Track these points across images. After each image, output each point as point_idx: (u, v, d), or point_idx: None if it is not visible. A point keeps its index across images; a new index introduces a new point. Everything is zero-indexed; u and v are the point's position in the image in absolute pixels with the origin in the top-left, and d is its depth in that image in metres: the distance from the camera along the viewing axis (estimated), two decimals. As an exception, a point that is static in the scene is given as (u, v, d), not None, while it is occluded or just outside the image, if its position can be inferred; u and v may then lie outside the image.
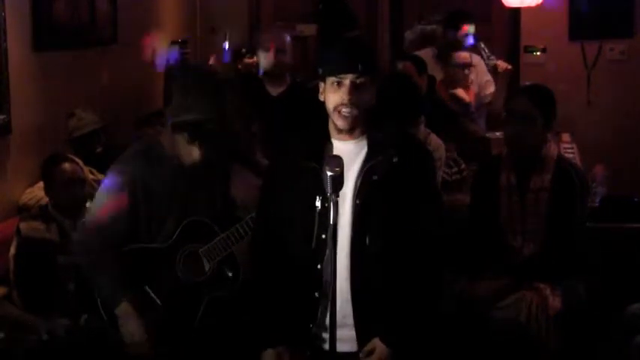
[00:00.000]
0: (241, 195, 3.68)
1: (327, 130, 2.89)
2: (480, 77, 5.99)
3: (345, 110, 2.80)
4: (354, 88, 2.78)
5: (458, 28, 6.06)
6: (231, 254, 3.33)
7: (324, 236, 2.79)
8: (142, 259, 3.27)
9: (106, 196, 3.30)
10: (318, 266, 2.82)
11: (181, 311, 3.28)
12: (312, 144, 2.88)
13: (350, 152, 2.81)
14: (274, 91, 4.93)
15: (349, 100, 2.78)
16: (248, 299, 3.05)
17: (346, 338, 2.81)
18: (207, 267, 3.29)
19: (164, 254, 3.27)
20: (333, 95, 2.81)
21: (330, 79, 2.82)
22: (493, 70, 5.97)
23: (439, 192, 3.10)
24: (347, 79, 2.78)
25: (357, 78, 2.78)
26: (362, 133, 2.87)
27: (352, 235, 2.80)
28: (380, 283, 2.82)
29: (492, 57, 5.99)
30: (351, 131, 2.85)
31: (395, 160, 2.81)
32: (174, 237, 3.27)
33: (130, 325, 3.21)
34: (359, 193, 2.79)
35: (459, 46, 5.96)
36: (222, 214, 3.39)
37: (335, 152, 2.83)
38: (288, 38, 5.02)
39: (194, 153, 3.27)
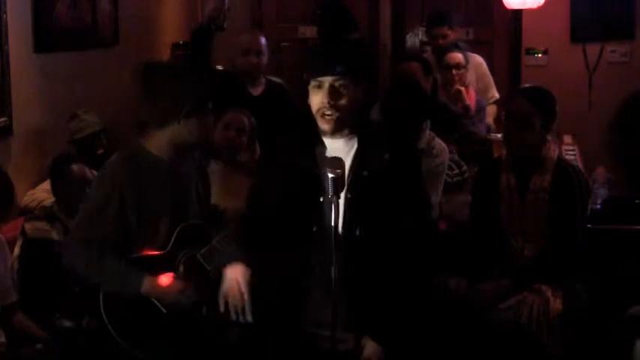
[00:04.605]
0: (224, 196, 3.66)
1: (317, 128, 2.88)
2: (480, 79, 5.93)
3: (326, 113, 2.80)
4: (333, 91, 2.78)
5: (432, 29, 6.02)
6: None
7: (314, 229, 2.80)
8: (141, 268, 3.11)
9: (92, 206, 3.12)
10: (312, 260, 2.82)
11: (186, 318, 3.16)
12: (303, 143, 2.89)
13: (340, 150, 2.81)
14: (254, 91, 4.98)
15: (328, 102, 2.78)
16: None
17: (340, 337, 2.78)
18: (207, 271, 3.19)
19: (162, 261, 3.14)
20: (315, 98, 2.83)
21: (312, 83, 2.83)
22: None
23: (425, 193, 3.10)
24: (326, 82, 2.79)
25: (336, 81, 2.78)
26: (352, 131, 2.86)
27: (344, 230, 2.79)
28: (373, 278, 2.81)
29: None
30: (337, 132, 2.84)
31: (386, 156, 2.82)
32: (170, 243, 3.15)
33: (167, 288, 3.07)
34: (350, 188, 2.79)
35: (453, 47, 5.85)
36: (210, 217, 3.29)
37: (326, 150, 2.84)
38: (263, 40, 5.09)
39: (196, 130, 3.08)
